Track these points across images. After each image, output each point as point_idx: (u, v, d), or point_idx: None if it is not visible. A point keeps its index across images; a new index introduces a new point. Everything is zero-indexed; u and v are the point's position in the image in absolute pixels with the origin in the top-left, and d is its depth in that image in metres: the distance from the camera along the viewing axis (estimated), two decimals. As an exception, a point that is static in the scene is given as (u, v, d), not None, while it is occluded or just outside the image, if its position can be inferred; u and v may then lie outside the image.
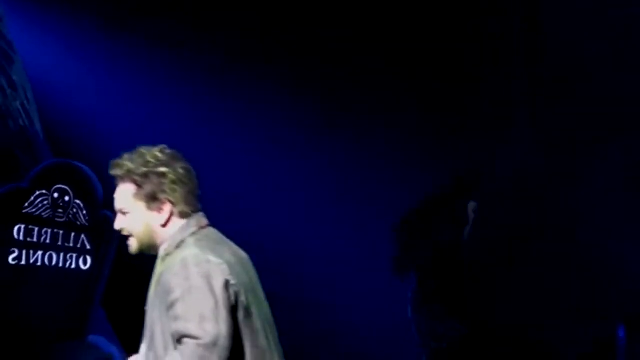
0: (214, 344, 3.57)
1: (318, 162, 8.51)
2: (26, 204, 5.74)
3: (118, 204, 3.89)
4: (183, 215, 3.82)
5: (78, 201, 5.81)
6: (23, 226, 5.78)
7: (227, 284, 3.62)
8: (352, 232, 8.64)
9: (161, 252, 3.80)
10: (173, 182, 3.81)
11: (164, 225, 3.81)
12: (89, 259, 5.90)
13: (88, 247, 5.87)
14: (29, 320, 5.83)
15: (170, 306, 3.63)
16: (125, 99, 8.04)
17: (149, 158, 3.83)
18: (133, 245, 3.82)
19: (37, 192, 5.78)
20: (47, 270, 5.84)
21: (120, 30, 8.02)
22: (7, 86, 6.30)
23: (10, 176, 6.08)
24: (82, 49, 7.97)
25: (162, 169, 3.84)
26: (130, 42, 8.12)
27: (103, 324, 6.06)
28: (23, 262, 5.84)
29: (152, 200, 3.82)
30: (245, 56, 8.55)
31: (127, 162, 3.82)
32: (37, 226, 5.79)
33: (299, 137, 8.55)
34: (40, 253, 5.85)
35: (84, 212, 5.80)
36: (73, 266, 5.89)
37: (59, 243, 5.90)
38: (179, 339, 3.59)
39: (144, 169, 3.83)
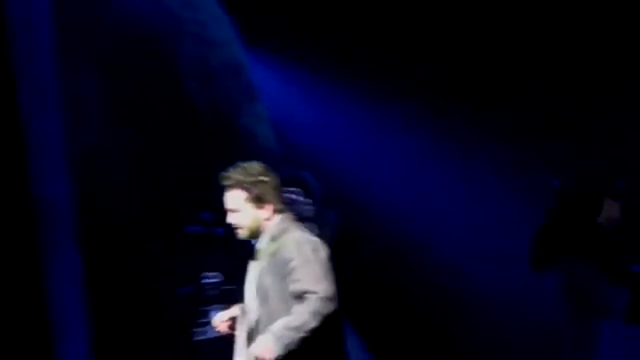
0: (328, 298, 4.84)
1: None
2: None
3: (230, 205, 5.12)
4: (278, 211, 5.09)
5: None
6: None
7: (328, 256, 4.95)
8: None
9: (267, 237, 5.08)
10: (272, 187, 5.11)
11: (267, 219, 5.09)
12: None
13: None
14: None
15: (290, 273, 4.93)
16: (346, 136, 8.94)
17: (252, 171, 5.15)
18: (242, 234, 5.10)
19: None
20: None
21: (344, 72, 8.86)
22: (252, 115, 8.30)
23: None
24: (312, 90, 8.93)
25: (264, 178, 5.12)
26: (352, 83, 8.93)
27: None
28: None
29: (258, 201, 5.10)
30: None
31: (236, 174, 5.15)
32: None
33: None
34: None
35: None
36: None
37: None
38: (300, 295, 4.86)
39: (252, 179, 5.11)
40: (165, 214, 8.09)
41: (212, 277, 7.91)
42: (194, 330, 7.99)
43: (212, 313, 7.39)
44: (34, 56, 8.17)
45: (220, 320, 5.18)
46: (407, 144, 9.00)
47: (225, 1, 8.72)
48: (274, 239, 5.07)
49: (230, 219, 5.10)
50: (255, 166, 5.14)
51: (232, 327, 5.16)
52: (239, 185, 5.08)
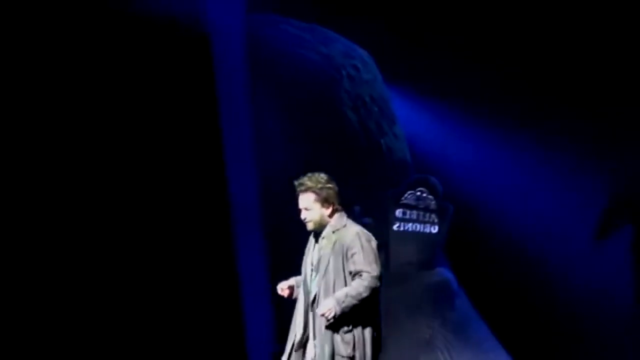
0: (377, 277, 5.54)
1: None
2: (402, 198, 9.29)
3: (303, 205, 5.70)
4: (337, 210, 5.73)
5: (430, 196, 9.27)
6: (401, 209, 9.30)
7: (377, 246, 5.66)
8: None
9: (329, 229, 5.66)
10: (334, 192, 5.73)
11: (329, 216, 5.69)
12: (436, 227, 9.20)
13: (436, 220, 9.20)
14: (402, 261, 9.44)
15: (350, 257, 5.55)
16: (463, 147, 9.68)
17: (319, 179, 5.75)
18: (311, 227, 5.70)
19: (408, 192, 9.36)
20: (414, 233, 9.30)
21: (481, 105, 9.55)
22: (392, 135, 9.64)
23: (396, 185, 9.49)
24: (437, 114, 9.75)
25: (329, 185, 5.74)
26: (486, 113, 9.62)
27: (444, 262, 9.33)
28: (401, 230, 9.35)
29: (325, 202, 5.68)
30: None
31: (308, 182, 5.73)
32: (409, 209, 9.26)
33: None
34: (410, 224, 9.30)
35: (433, 202, 9.24)
36: (428, 231, 9.24)
37: (421, 218, 9.24)
38: (356, 273, 5.50)
39: (320, 185, 5.71)
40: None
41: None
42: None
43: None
44: (232, 89, 9.47)
45: (281, 287, 5.81)
46: (516, 152, 9.59)
47: (371, 48, 9.79)
48: (335, 231, 5.72)
49: (303, 215, 5.73)
50: (322, 175, 5.79)
51: (290, 295, 5.78)
52: (310, 189, 5.74)
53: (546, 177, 9.68)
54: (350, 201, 8.76)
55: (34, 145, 9.03)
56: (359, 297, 5.47)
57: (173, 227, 8.99)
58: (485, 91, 9.66)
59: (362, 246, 5.65)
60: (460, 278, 9.38)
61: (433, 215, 9.33)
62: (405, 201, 9.34)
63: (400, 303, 9.27)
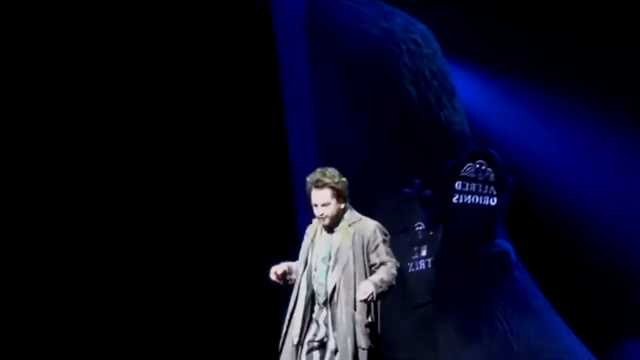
0: (398, 266, 5.72)
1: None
2: (462, 170, 9.33)
3: (321, 201, 5.71)
4: (348, 205, 5.80)
5: (489, 168, 9.27)
6: (460, 182, 9.33)
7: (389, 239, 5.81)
8: None
9: (345, 223, 5.72)
10: (346, 187, 5.78)
11: (343, 211, 5.76)
12: (494, 199, 9.22)
13: (494, 193, 9.23)
14: (461, 233, 9.38)
15: (374, 249, 5.66)
16: (519, 120, 9.69)
17: (334, 174, 5.77)
18: (327, 222, 5.71)
19: (468, 164, 9.36)
20: (473, 205, 9.34)
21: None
22: (451, 108, 9.66)
23: (456, 157, 9.43)
24: (495, 87, 9.74)
25: (343, 179, 5.80)
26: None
27: (503, 234, 9.29)
28: (460, 202, 9.40)
29: (340, 197, 5.72)
30: None
31: (324, 178, 5.73)
32: (468, 182, 9.27)
33: None
34: (469, 196, 9.35)
35: (492, 174, 9.26)
36: (486, 203, 9.26)
37: (479, 191, 9.28)
38: (382, 263, 5.62)
39: (336, 180, 5.74)
40: (388, 177, 9.31)
41: (420, 226, 9.41)
42: (409, 264, 9.33)
43: (422, 249, 9.20)
44: (294, 64, 9.52)
45: (275, 270, 5.84)
46: (574, 124, 9.56)
47: (430, 22, 9.80)
48: (351, 224, 5.82)
49: (319, 211, 5.76)
50: (334, 170, 5.85)
51: (282, 280, 5.83)
52: (327, 185, 5.77)
53: (607, 149, 9.67)
54: (410, 174, 9.44)
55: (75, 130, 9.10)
56: (390, 284, 5.63)
57: (234, 196, 9.06)
58: (545, 63, 9.63)
59: (382, 239, 5.78)
60: (519, 249, 9.43)
61: (492, 188, 9.37)
62: (464, 174, 9.41)
63: (460, 275, 9.39)
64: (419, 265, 9.41)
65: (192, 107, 9.27)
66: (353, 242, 5.78)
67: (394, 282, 5.69)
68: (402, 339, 9.18)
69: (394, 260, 5.78)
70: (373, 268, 5.72)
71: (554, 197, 9.54)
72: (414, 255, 9.42)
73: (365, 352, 5.73)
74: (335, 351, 5.77)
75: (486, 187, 9.37)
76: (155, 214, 9.09)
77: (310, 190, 5.84)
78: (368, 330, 5.76)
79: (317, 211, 5.77)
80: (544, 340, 9.18)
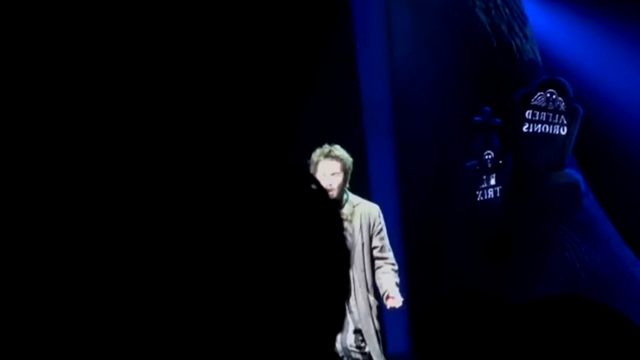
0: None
1: None
2: (532, 99, 9.34)
3: (331, 171, 5.89)
4: (347, 187, 6.04)
5: (560, 98, 9.29)
6: (530, 111, 9.35)
7: None
8: None
9: (349, 205, 5.91)
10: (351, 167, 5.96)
11: (345, 191, 5.98)
12: (565, 128, 9.23)
13: (565, 122, 9.23)
14: (530, 162, 9.49)
15: (379, 232, 5.93)
16: (590, 49, 9.52)
17: (345, 151, 5.96)
18: (334, 194, 5.83)
19: (538, 93, 9.38)
20: (543, 135, 9.34)
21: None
22: (523, 36, 9.63)
23: (527, 86, 9.46)
24: (568, 15, 9.59)
25: (351, 159, 5.99)
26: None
27: (573, 164, 9.35)
28: (530, 131, 9.39)
29: (347, 174, 5.91)
30: None
31: (341, 153, 5.90)
32: (538, 111, 9.31)
33: None
34: (539, 126, 9.35)
35: (563, 103, 9.27)
36: (556, 133, 9.27)
37: (550, 120, 9.30)
38: (381, 248, 5.94)
39: (347, 156, 5.94)
40: (458, 106, 9.38)
41: (489, 154, 9.44)
42: (477, 192, 9.45)
43: (491, 178, 9.25)
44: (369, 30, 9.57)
45: None
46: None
47: None
48: (353, 205, 6.05)
49: (328, 181, 5.88)
50: (342, 149, 6.09)
51: None
52: (338, 158, 5.97)
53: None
54: (481, 102, 9.50)
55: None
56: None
57: (302, 126, 9.00)
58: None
59: (383, 223, 6.07)
60: (588, 179, 9.45)
61: (563, 117, 9.37)
62: (535, 103, 9.39)
63: (528, 204, 9.43)
64: (487, 194, 9.46)
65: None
66: (361, 224, 5.92)
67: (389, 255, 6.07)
68: (468, 269, 9.29)
69: (392, 254, 6.05)
70: (375, 251, 5.95)
71: (625, 127, 9.54)
72: (482, 184, 9.47)
73: (380, 333, 5.95)
74: (356, 331, 5.92)
75: (557, 116, 9.36)
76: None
77: (317, 163, 5.94)
78: (378, 312, 6.00)
79: (324, 182, 5.74)
80: (611, 269, 9.21)
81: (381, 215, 6.06)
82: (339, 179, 5.96)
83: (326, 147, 5.96)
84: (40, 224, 7.50)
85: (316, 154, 6.00)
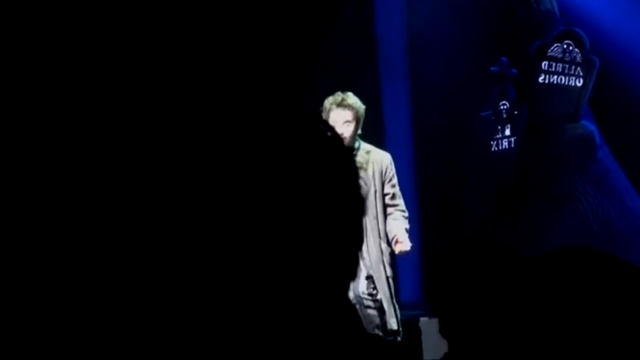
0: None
1: None
2: (549, 50, 9.34)
3: (343, 119, 5.89)
4: (358, 135, 6.05)
5: (576, 49, 9.30)
6: (547, 62, 9.34)
7: None
8: None
9: (362, 151, 5.92)
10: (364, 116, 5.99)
11: (358, 135, 5.99)
12: (581, 80, 9.24)
13: (581, 74, 9.23)
14: (546, 113, 9.50)
15: (391, 178, 5.98)
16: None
17: (358, 99, 5.98)
18: (346, 142, 4.98)
19: (555, 44, 9.38)
20: (559, 86, 9.34)
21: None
22: None
23: (543, 37, 9.49)
24: None
25: (363, 107, 6.02)
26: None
27: (588, 115, 9.41)
28: (546, 82, 9.38)
29: (359, 123, 5.95)
30: None
31: (354, 102, 5.93)
32: (554, 62, 9.31)
33: None
34: (555, 77, 9.35)
35: (579, 55, 9.28)
36: (572, 84, 9.27)
37: (566, 71, 9.29)
38: (392, 195, 5.99)
39: (360, 105, 5.98)
40: (474, 56, 9.35)
41: (505, 105, 9.51)
42: (492, 142, 9.51)
43: (506, 129, 9.40)
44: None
45: None
46: None
47: None
48: (366, 152, 6.08)
49: (341, 129, 5.83)
50: (356, 97, 6.09)
51: None
52: (351, 107, 5.99)
53: None
54: (497, 52, 9.48)
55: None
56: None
57: (317, 73, 8.95)
58: None
59: (394, 171, 6.09)
60: (603, 132, 9.43)
61: (579, 69, 9.34)
62: (551, 54, 9.37)
63: (543, 155, 9.45)
64: (502, 145, 9.49)
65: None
66: (373, 171, 5.95)
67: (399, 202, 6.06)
68: (481, 219, 9.33)
69: (402, 201, 6.05)
70: (386, 198, 5.97)
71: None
72: (497, 134, 9.50)
73: (391, 280, 5.99)
74: (367, 278, 5.96)
75: (573, 67, 9.34)
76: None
77: (329, 111, 5.93)
78: (390, 259, 6.02)
79: (338, 129, 5.61)
80: (625, 223, 9.23)
81: (392, 163, 6.10)
82: (350, 127, 5.97)
83: (339, 95, 5.97)
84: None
85: (328, 102, 5.99)
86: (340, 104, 5.91)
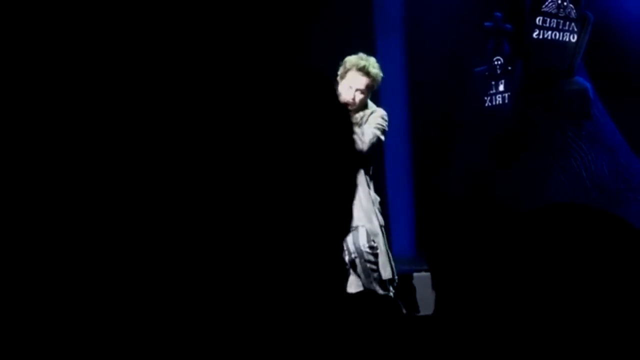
0: (372, 142, 5.96)
1: None
2: (543, 6, 9.25)
3: (358, 86, 5.90)
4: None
5: (571, 5, 9.24)
6: (541, 17, 9.28)
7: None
8: None
9: (368, 110, 5.97)
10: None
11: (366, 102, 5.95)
12: (575, 36, 9.21)
13: (575, 29, 9.18)
14: (540, 68, 9.44)
15: (379, 124, 5.90)
16: None
17: (379, 67, 5.94)
18: (354, 107, 5.82)
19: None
20: (553, 42, 9.26)
21: None
22: None
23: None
24: None
25: (381, 75, 5.96)
26: None
27: (582, 71, 9.37)
28: (541, 37, 9.29)
29: (371, 91, 5.99)
30: None
31: (374, 68, 5.89)
32: (548, 17, 9.24)
33: None
34: (549, 32, 9.29)
35: (574, 10, 9.22)
36: (567, 40, 9.22)
37: (560, 27, 9.26)
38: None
39: (380, 75, 5.92)
40: (467, 11, 9.30)
41: (499, 60, 9.44)
42: (485, 98, 9.47)
43: (500, 84, 9.35)
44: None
45: None
46: None
47: None
48: (371, 112, 6.09)
49: (351, 95, 5.91)
50: (376, 62, 6.06)
51: None
52: (371, 75, 5.97)
53: None
54: (491, 7, 9.44)
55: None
56: (363, 140, 5.84)
57: (312, 30, 8.94)
58: None
59: (380, 122, 5.99)
60: (597, 88, 9.41)
61: (573, 24, 9.30)
62: (545, 9, 9.33)
63: (537, 110, 9.44)
64: (496, 100, 9.45)
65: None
66: (368, 119, 5.97)
67: (364, 140, 5.82)
68: (475, 173, 9.34)
69: (369, 140, 5.90)
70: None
71: (635, 35, 9.44)
72: (491, 89, 9.46)
73: (384, 228, 5.96)
74: (363, 228, 5.90)
75: (567, 23, 9.29)
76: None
77: (348, 71, 5.88)
78: (380, 208, 5.96)
79: (348, 94, 5.82)
80: (619, 178, 9.26)
81: (383, 116, 6.04)
82: (362, 96, 5.96)
83: (362, 61, 5.91)
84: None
85: (350, 61, 5.94)
86: (362, 70, 5.88)
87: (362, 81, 5.92)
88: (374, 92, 6.24)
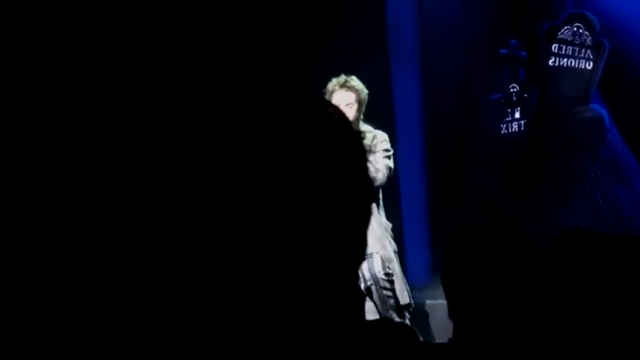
0: (385, 176, 6.03)
1: None
2: (559, 33, 9.31)
3: (344, 101, 5.96)
4: (362, 118, 6.14)
5: (587, 32, 9.25)
6: (557, 45, 9.31)
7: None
8: None
9: (366, 133, 5.97)
10: (366, 101, 6.04)
11: (360, 118, 6.05)
12: (591, 63, 9.18)
13: (591, 56, 9.17)
14: (555, 96, 9.40)
15: (387, 150, 5.99)
16: None
17: (360, 83, 6.03)
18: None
19: (565, 27, 9.33)
20: (569, 69, 9.30)
21: None
22: None
23: (554, 19, 9.42)
24: None
25: (366, 91, 6.12)
26: None
27: (598, 98, 9.27)
28: (556, 65, 9.35)
29: (361, 106, 6.04)
30: None
31: (357, 84, 5.99)
32: (564, 44, 9.27)
33: None
34: (565, 60, 9.31)
35: (590, 37, 9.24)
36: (582, 67, 9.23)
37: (576, 54, 9.26)
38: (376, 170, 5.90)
39: (362, 88, 6.05)
40: (484, 38, 9.32)
41: (514, 87, 9.46)
42: (501, 125, 9.48)
43: (516, 112, 9.32)
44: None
45: None
46: None
47: None
48: (369, 132, 6.14)
49: (344, 111, 6.44)
50: (359, 80, 6.17)
51: None
52: (353, 89, 6.09)
53: None
54: (507, 35, 9.45)
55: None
56: (376, 177, 5.83)
57: (327, 55, 8.82)
58: None
59: (386, 148, 6.01)
60: (613, 115, 9.39)
61: (589, 51, 9.29)
62: (561, 36, 9.35)
63: (552, 138, 9.42)
64: (511, 128, 9.46)
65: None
66: (372, 143, 5.98)
67: (378, 168, 5.85)
68: (490, 202, 9.30)
69: (385, 171, 5.93)
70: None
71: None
72: (507, 117, 9.47)
73: (397, 254, 6.00)
74: (378, 255, 5.90)
75: (583, 50, 9.30)
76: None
77: (332, 92, 5.95)
78: (392, 234, 5.98)
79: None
80: (634, 206, 9.22)
81: (387, 141, 6.10)
82: (353, 110, 5.97)
83: (342, 77, 6.01)
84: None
85: (332, 84, 6.03)
86: (344, 86, 5.95)
87: (348, 96, 5.98)
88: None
